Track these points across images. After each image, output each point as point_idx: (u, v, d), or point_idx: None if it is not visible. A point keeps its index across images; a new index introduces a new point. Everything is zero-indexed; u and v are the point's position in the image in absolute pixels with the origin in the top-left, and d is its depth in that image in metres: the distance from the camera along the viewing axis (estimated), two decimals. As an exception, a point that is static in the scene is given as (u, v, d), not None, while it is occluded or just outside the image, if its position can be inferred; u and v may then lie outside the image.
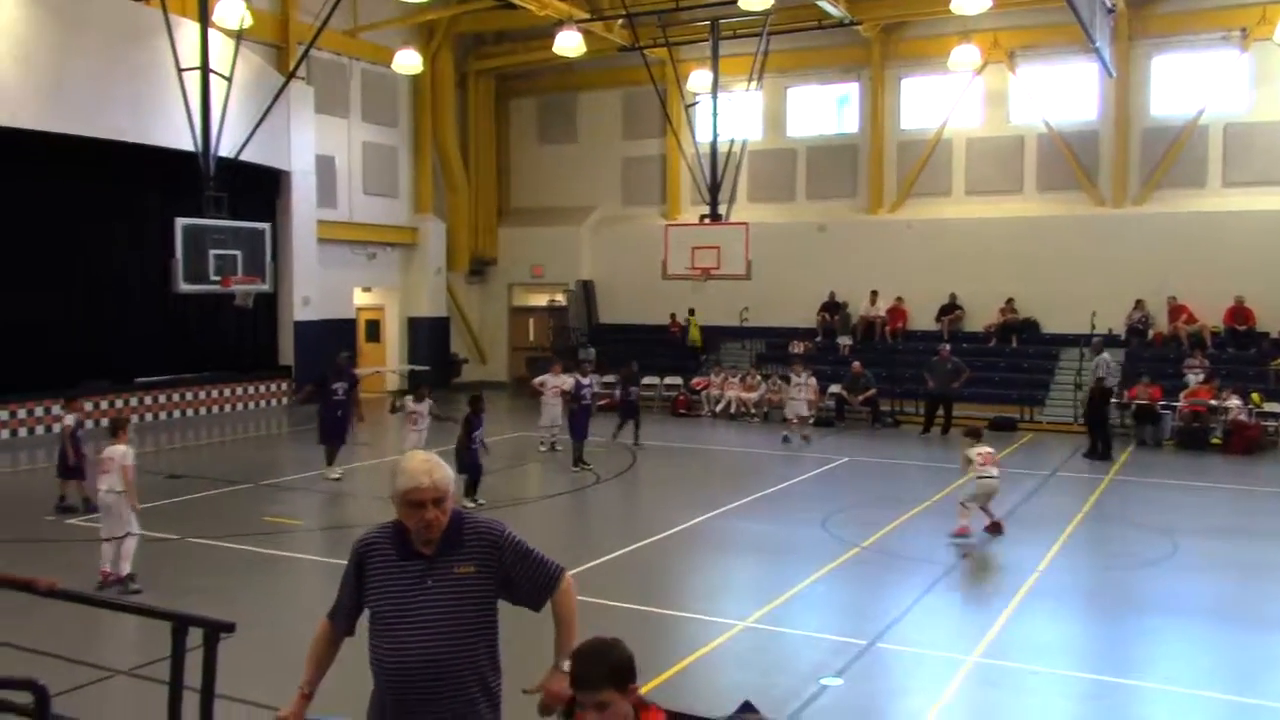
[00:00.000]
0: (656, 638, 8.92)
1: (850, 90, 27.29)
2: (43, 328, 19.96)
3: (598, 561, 10.99)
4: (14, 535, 11.80)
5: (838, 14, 23.56)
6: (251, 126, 18.68)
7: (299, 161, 24.37)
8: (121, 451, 9.87)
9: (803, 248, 26.71)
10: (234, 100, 18.29)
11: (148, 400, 21.69)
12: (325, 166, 25.77)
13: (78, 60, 19.16)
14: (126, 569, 9.69)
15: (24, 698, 4.11)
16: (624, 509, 14.21)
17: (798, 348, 25.78)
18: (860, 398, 22.63)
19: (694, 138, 23.75)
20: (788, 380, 21.03)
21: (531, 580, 3.93)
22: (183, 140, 18.21)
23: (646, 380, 25.62)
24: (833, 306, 26.28)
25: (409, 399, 15.41)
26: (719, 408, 24.08)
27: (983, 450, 12.15)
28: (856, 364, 22.98)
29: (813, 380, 21.75)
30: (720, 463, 18.34)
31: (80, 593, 5.95)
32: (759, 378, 24.22)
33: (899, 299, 25.89)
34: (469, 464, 13.54)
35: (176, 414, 22.23)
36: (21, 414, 19.37)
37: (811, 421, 20.30)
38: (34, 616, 8.03)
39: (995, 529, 12.17)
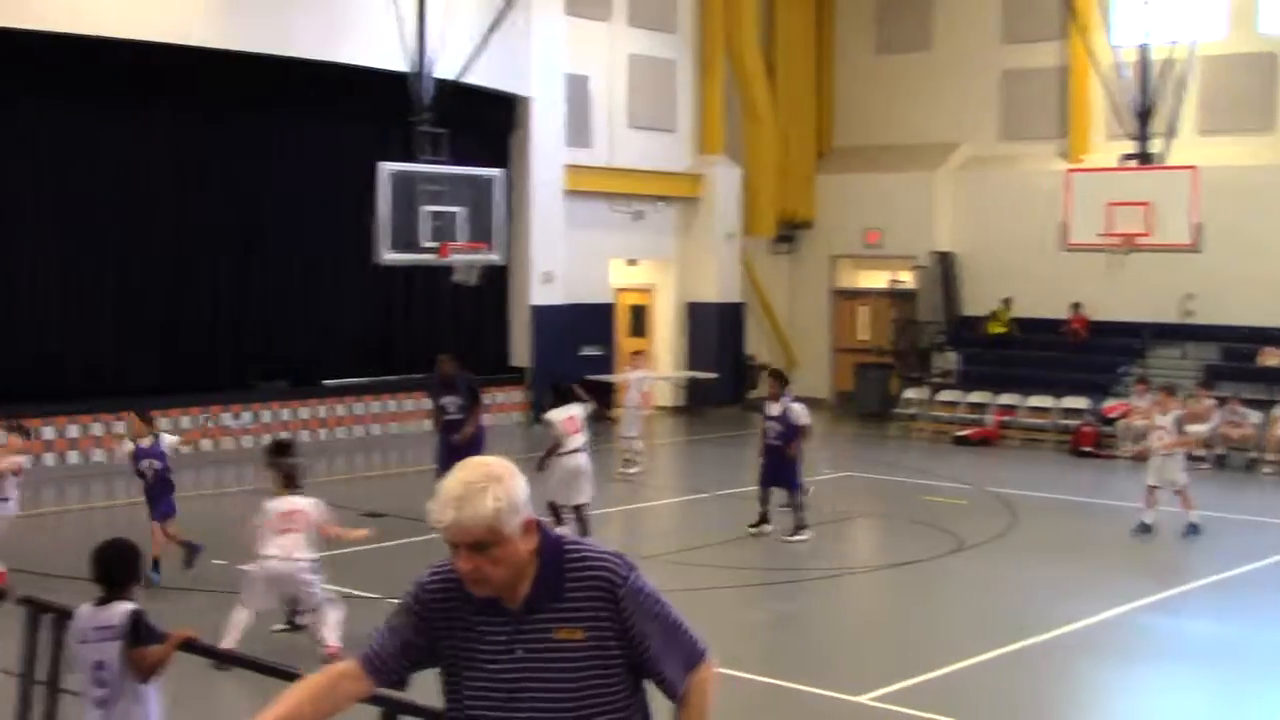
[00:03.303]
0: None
1: (1368, -41, 25.50)
2: (202, 309, 21.86)
3: (950, 669, 10.76)
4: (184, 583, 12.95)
5: None
6: (480, 36, 19.63)
7: (542, 84, 25.42)
8: (313, 502, 10.76)
9: (1285, 204, 25.21)
10: (457, 2, 19.27)
11: (339, 410, 23.21)
12: (577, 90, 26.73)
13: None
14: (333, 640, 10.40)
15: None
16: (992, 592, 13.88)
17: (1272, 358, 24.34)
18: (1375, 437, 21.14)
19: (1112, 40, 22.86)
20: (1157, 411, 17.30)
21: (655, 663, 3.79)
22: (390, 58, 19.38)
23: (1035, 402, 24.95)
24: (1331, 295, 24.71)
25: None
26: (1145, 445, 23.07)
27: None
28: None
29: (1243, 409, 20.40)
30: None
31: (263, 661, 6.48)
32: (1209, 401, 23.03)
33: None
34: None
35: (375, 429, 23.67)
36: (196, 421, 21.20)
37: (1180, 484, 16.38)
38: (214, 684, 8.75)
39: None
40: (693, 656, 3.82)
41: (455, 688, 3.84)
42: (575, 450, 14.58)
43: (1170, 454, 16.35)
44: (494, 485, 3.63)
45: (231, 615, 10.33)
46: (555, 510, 14.50)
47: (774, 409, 16.03)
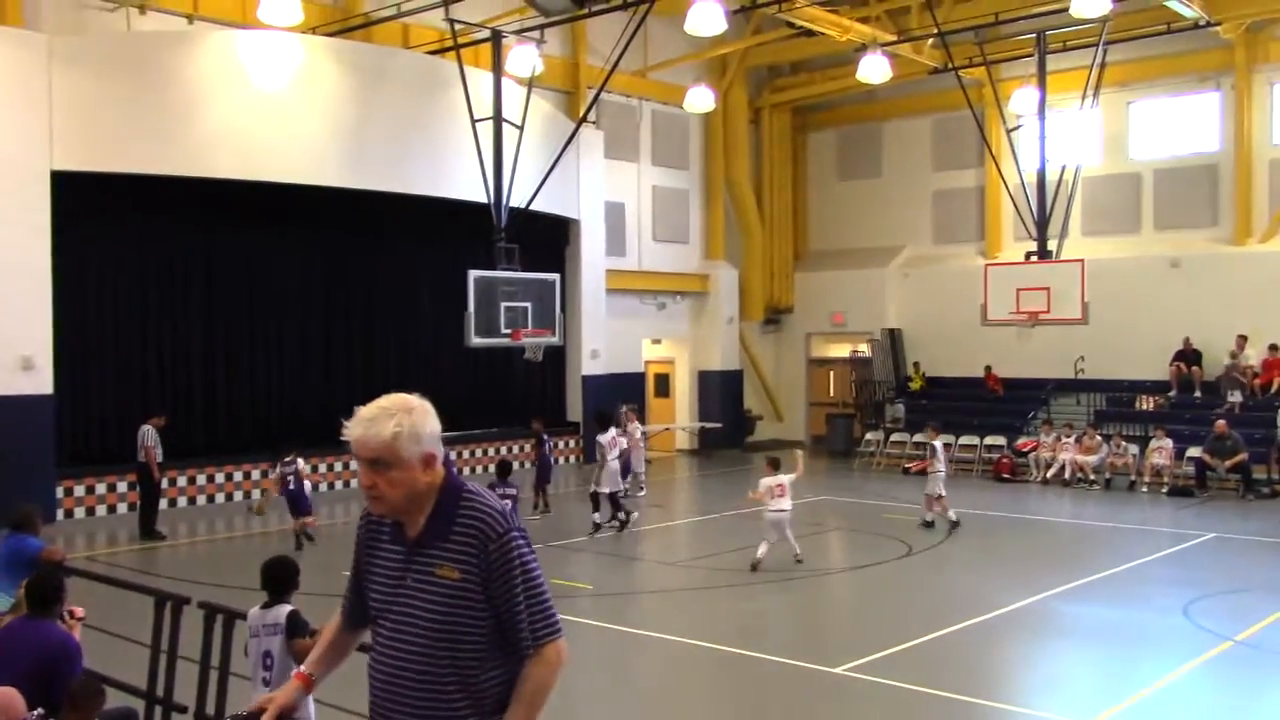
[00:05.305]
0: (979, 735, 8.47)
1: (1208, 102, 25.45)
2: (333, 383, 21.88)
3: (904, 646, 10.62)
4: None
5: (1192, 14, 22.09)
6: (542, 175, 19.78)
7: (588, 209, 25.54)
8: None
9: (1151, 287, 25.03)
10: (525, 149, 19.45)
11: (439, 456, 23.16)
12: (614, 213, 26.85)
13: (378, 116, 20.95)
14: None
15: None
16: (935, 587, 13.68)
17: (1145, 404, 24.17)
18: (1228, 463, 20.79)
19: (1017, 166, 22.85)
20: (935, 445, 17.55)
21: (511, 620, 3.23)
22: (474, 192, 19.56)
23: (965, 441, 24.76)
24: (1188, 355, 24.40)
25: None
26: (1050, 473, 22.83)
27: (774, 481, 13.70)
28: (1221, 423, 21.16)
29: (1168, 443, 20.23)
30: (1052, 537, 17.33)
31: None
32: (1099, 438, 22.80)
33: (1274, 346, 23.66)
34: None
35: (466, 471, 23.60)
36: (322, 468, 21.24)
37: (938, 494, 16.90)
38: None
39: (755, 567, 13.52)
40: (542, 631, 3.26)
41: (371, 607, 3.45)
42: (614, 459, 16.61)
43: (932, 472, 17.01)
44: (401, 414, 3.21)
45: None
46: (595, 497, 16.58)
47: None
